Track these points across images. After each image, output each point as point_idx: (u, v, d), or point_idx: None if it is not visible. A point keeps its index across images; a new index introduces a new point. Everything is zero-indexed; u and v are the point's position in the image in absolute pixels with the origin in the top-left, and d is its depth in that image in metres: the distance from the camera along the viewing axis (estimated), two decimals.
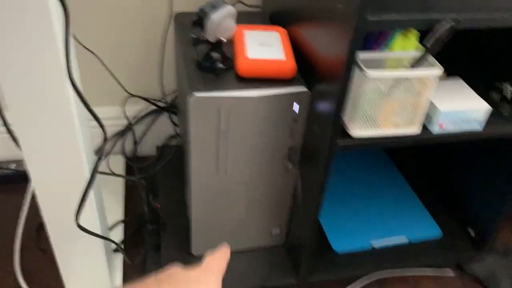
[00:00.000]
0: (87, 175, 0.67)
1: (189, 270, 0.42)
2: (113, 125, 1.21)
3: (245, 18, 0.92)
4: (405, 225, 1.03)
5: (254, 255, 0.94)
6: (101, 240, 0.79)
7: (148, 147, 1.25)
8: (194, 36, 0.75)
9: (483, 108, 0.73)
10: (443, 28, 0.59)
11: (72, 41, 0.62)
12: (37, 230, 1.03)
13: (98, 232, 0.76)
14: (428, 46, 0.62)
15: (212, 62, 0.76)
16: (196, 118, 0.72)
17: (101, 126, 0.56)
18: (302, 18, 0.76)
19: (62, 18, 0.44)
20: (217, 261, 0.45)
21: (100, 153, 0.61)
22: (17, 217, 1.02)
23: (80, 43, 1.01)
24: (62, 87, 0.57)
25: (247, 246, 0.94)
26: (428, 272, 1.03)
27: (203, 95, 0.70)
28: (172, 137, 1.20)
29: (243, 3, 0.99)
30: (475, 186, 0.99)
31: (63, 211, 0.70)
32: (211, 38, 0.73)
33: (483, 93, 0.77)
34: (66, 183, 0.69)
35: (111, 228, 0.98)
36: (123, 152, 1.22)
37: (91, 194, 0.72)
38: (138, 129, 1.22)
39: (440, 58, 0.67)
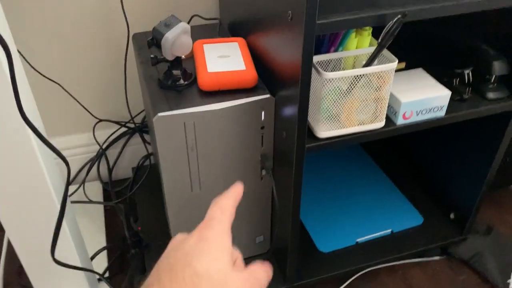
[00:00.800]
0: (57, 207, 0.66)
1: (188, 236, 0.38)
2: (86, 152, 1.20)
3: (204, 32, 0.92)
4: (388, 217, 1.04)
5: None
6: (83, 271, 0.78)
7: (124, 170, 1.24)
8: (152, 56, 0.75)
9: (443, 94, 0.74)
10: (391, 22, 0.60)
11: (22, 75, 0.62)
12: (18, 268, 1.01)
13: (78, 264, 0.75)
14: (380, 41, 0.63)
15: (173, 80, 0.75)
16: (163, 137, 0.72)
17: (62, 158, 0.56)
18: (258, 27, 0.76)
19: (4, 58, 0.43)
20: (223, 212, 0.39)
21: (66, 184, 0.60)
22: None
23: (40, 73, 1.00)
24: (18, 124, 0.56)
25: None
26: (415, 259, 1.05)
27: (167, 114, 0.70)
28: (146, 157, 1.19)
29: (200, 16, 0.99)
30: (451, 170, 1.01)
31: (38, 248, 0.69)
32: (169, 57, 0.73)
33: (445, 80, 0.78)
34: (37, 219, 0.67)
35: (94, 256, 0.97)
36: (99, 178, 1.21)
37: (65, 226, 0.71)
38: (112, 153, 1.21)
39: (403, 50, 0.68)
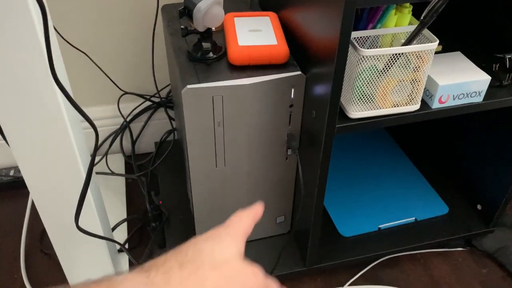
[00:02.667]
0: (83, 176, 0.66)
1: (202, 235, 0.40)
2: (110, 124, 1.20)
3: (234, 5, 0.90)
4: (412, 205, 1.02)
5: (260, 245, 0.94)
6: (104, 241, 0.78)
7: (146, 144, 1.24)
8: (183, 27, 0.73)
9: (482, 78, 0.71)
10: None
11: (55, 39, 0.61)
12: (41, 235, 1.02)
13: (100, 233, 0.75)
14: (422, 19, 0.60)
15: (203, 52, 0.74)
16: (190, 110, 0.70)
17: (92, 124, 0.55)
18: (292, 1, 0.74)
19: (40, 16, 0.42)
20: (241, 221, 0.42)
21: (94, 153, 0.59)
22: (20, 223, 1.01)
23: (69, 42, 0.99)
24: (48, 88, 0.55)
25: (252, 236, 0.92)
26: (438, 249, 1.02)
27: (196, 86, 0.68)
28: (169, 132, 1.18)
29: None
30: (481, 160, 0.98)
31: (63, 214, 0.69)
32: (200, 28, 0.71)
33: (483, 65, 0.75)
34: (63, 186, 0.67)
35: (114, 228, 0.97)
36: (122, 151, 1.21)
37: (90, 195, 0.71)
38: (136, 126, 1.21)
39: (441, 33, 0.65)
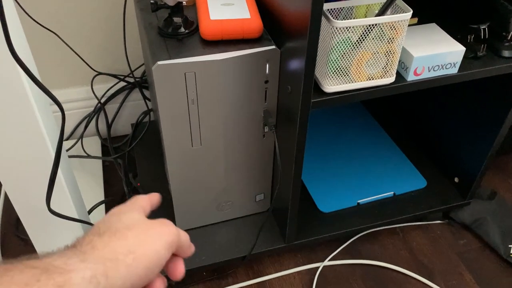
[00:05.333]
0: (53, 157, 0.64)
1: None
2: (85, 106, 1.17)
3: None
4: (390, 179, 1.02)
5: (240, 223, 0.93)
6: (80, 224, 0.77)
7: (123, 126, 1.22)
8: (152, 1, 0.71)
9: (457, 49, 0.71)
10: None
11: (14, 13, 0.58)
12: (16, 220, 1.00)
13: (75, 216, 0.74)
14: None
15: (174, 28, 0.72)
16: (162, 88, 0.69)
17: (56, 102, 0.53)
18: None
19: None
20: (137, 199, 0.45)
21: (61, 133, 0.57)
22: None
23: (37, 22, 0.95)
24: (10, 67, 0.53)
25: (232, 215, 0.93)
26: (416, 222, 1.04)
27: (167, 62, 0.66)
28: (146, 113, 1.16)
29: None
30: (457, 133, 0.98)
31: (34, 198, 0.68)
32: (170, 2, 0.69)
33: (458, 36, 0.74)
34: (32, 170, 0.65)
35: (91, 210, 0.96)
36: (97, 133, 1.18)
37: (61, 178, 0.69)
38: (112, 107, 1.18)
39: (416, 5, 0.64)
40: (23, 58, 0.51)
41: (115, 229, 0.38)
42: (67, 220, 0.70)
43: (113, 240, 0.37)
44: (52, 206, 0.65)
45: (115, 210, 0.42)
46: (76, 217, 0.74)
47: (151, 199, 0.46)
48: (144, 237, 0.38)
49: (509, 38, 0.76)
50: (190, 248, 0.43)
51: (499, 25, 0.76)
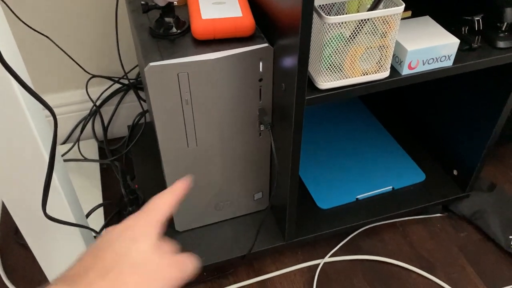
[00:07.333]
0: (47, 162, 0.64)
1: (116, 225, 0.39)
2: (80, 109, 1.17)
3: None
4: (389, 174, 1.02)
5: (239, 222, 0.93)
6: (78, 228, 0.76)
7: (119, 128, 1.21)
8: (143, 2, 0.71)
9: (451, 42, 0.70)
10: None
11: (4, 22, 0.58)
12: (16, 226, 1.00)
13: (72, 220, 0.73)
14: None
15: (166, 28, 0.71)
16: (155, 89, 0.68)
17: (47, 107, 0.52)
18: None
19: None
20: (155, 205, 0.40)
21: (54, 138, 0.57)
22: None
23: (29, 26, 0.95)
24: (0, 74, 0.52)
25: (231, 214, 0.93)
26: (416, 216, 1.03)
27: (159, 63, 0.66)
28: (142, 114, 1.16)
29: None
30: (455, 125, 0.98)
31: (30, 204, 0.67)
32: (160, 2, 0.69)
33: (452, 29, 0.74)
34: (27, 176, 0.65)
35: (89, 214, 0.95)
36: (94, 136, 1.18)
37: (57, 182, 0.69)
38: (107, 110, 1.18)
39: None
40: (13, 64, 0.50)
41: (120, 269, 0.34)
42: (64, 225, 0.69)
43: (114, 287, 0.34)
44: (49, 211, 0.64)
45: (127, 226, 0.38)
46: (74, 221, 0.74)
47: (176, 192, 0.41)
48: (146, 284, 0.35)
49: (503, 29, 0.75)
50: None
51: (493, 16, 0.76)
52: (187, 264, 0.39)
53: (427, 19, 0.76)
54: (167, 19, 0.71)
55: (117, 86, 1.15)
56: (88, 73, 1.09)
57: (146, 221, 0.39)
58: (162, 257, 0.38)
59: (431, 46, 0.69)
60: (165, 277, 0.36)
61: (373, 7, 0.62)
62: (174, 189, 0.42)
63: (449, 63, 0.72)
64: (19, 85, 0.53)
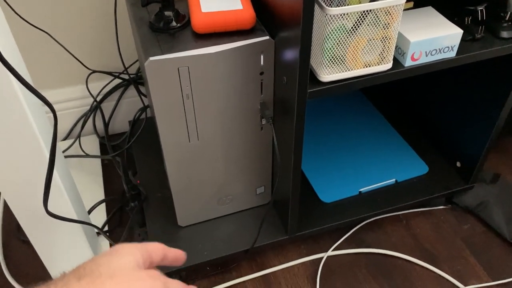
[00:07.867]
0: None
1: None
2: (81, 105, 1.16)
3: None
4: (392, 166, 1.02)
5: (242, 217, 0.93)
6: (80, 225, 0.76)
7: (121, 123, 1.21)
8: None
9: (454, 32, 0.69)
10: None
11: (2, 19, 0.57)
12: (18, 223, 1.00)
13: (74, 217, 0.73)
14: None
15: (165, 22, 0.70)
16: (156, 83, 0.67)
17: (47, 103, 0.52)
18: None
19: None
20: (151, 244, 0.41)
21: (54, 134, 0.57)
22: None
23: (27, 21, 0.94)
24: None
25: (234, 209, 0.92)
26: (419, 209, 1.03)
27: (159, 58, 0.65)
28: (142, 109, 1.15)
29: None
30: (458, 117, 0.97)
31: (32, 201, 0.67)
32: None
33: (455, 19, 0.73)
34: (28, 173, 0.65)
35: (91, 210, 0.95)
36: (95, 132, 1.18)
37: (58, 179, 0.68)
38: (108, 106, 1.17)
39: None
40: (12, 60, 0.50)
41: (98, 275, 0.36)
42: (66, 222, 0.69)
43: None
44: (50, 208, 0.64)
45: (115, 248, 0.40)
46: (75, 217, 0.74)
47: (168, 255, 0.43)
48: None
49: (507, 18, 0.74)
50: None
51: (497, 5, 0.75)
52: (173, 282, 0.40)
53: (430, 10, 0.75)
54: (166, 13, 0.70)
55: (117, 81, 1.14)
56: (88, 68, 1.09)
57: (136, 247, 0.40)
58: (142, 271, 0.38)
59: (434, 37, 0.68)
60: (145, 285, 0.37)
61: None
62: (175, 250, 0.44)
63: (452, 54, 0.71)
64: (18, 81, 0.52)
